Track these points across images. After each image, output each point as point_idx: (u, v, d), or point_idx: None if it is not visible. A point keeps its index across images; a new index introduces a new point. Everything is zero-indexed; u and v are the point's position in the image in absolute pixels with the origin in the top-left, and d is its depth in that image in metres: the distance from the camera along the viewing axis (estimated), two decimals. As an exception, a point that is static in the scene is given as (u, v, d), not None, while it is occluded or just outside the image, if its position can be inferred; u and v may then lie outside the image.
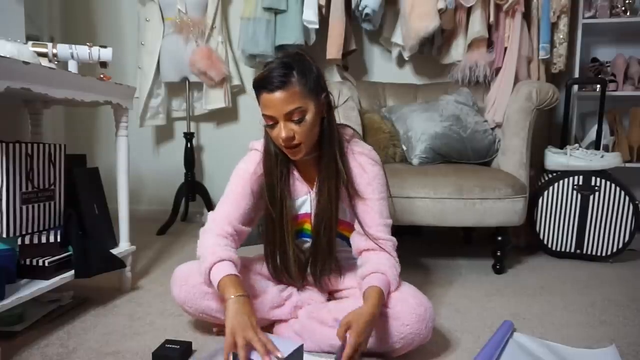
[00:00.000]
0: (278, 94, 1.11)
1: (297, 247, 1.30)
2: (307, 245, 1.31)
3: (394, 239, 1.27)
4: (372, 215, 1.24)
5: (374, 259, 1.21)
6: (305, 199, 1.30)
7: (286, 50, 1.21)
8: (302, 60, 1.16)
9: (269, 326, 1.31)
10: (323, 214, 1.24)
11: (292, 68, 1.12)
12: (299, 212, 1.31)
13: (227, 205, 1.26)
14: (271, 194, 1.25)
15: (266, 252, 1.31)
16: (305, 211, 1.31)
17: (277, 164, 1.24)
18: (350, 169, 1.25)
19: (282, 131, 1.13)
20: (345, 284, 1.34)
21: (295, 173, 1.29)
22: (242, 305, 1.06)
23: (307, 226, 1.31)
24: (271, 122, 1.15)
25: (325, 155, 1.22)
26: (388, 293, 1.16)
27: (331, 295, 1.37)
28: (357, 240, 1.27)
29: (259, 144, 1.29)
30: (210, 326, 1.35)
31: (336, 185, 1.23)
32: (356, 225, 1.27)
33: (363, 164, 1.26)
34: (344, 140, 1.27)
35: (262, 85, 1.13)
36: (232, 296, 1.08)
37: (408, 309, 1.14)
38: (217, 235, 1.21)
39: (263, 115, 1.16)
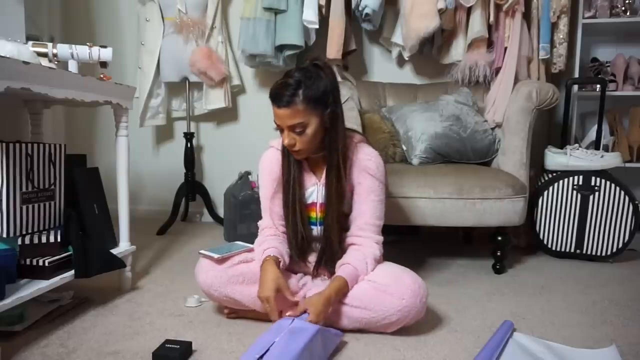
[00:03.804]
0: (283, 110, 1.28)
1: (310, 232, 1.45)
2: (315, 232, 1.46)
3: (377, 237, 1.41)
4: (364, 215, 1.40)
5: (349, 254, 1.38)
6: (313, 189, 1.45)
7: (307, 60, 1.36)
8: (313, 77, 1.30)
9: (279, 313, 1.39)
10: (329, 208, 1.40)
11: (299, 87, 1.27)
12: (308, 201, 1.45)
13: (266, 213, 1.47)
14: (287, 184, 1.42)
15: (289, 237, 1.46)
16: (312, 200, 1.45)
17: (290, 157, 1.41)
18: (353, 172, 1.40)
19: (285, 138, 1.33)
20: None
21: (306, 166, 1.45)
22: (266, 270, 1.31)
23: (314, 214, 1.46)
24: (278, 128, 1.34)
25: (329, 160, 1.37)
26: (356, 277, 1.34)
27: None
28: (347, 237, 1.43)
29: (275, 142, 1.48)
30: (222, 309, 1.49)
31: (339, 185, 1.37)
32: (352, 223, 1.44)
33: (367, 168, 1.40)
34: (352, 145, 1.42)
35: (272, 99, 1.31)
36: (264, 258, 1.34)
37: (404, 286, 1.30)
38: (270, 235, 1.45)
39: (274, 120, 1.33)
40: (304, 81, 1.28)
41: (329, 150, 1.37)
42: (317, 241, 1.46)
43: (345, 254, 1.39)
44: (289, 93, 1.27)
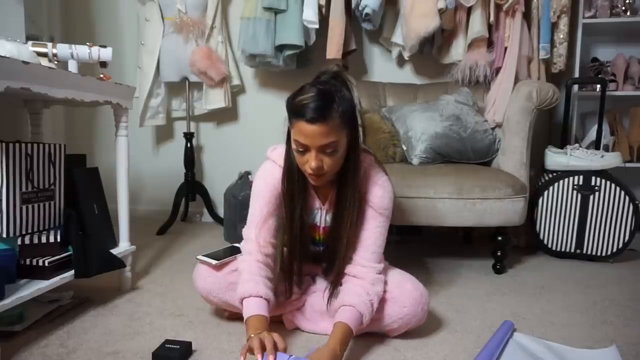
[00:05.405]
0: (316, 127, 1.10)
1: (310, 251, 1.38)
2: (317, 250, 1.40)
3: (380, 266, 1.29)
4: (366, 243, 1.29)
5: (349, 288, 1.25)
6: (316, 212, 1.36)
7: (325, 74, 1.20)
8: (341, 90, 1.16)
9: (279, 316, 1.40)
10: (338, 237, 1.28)
11: (333, 100, 1.12)
12: (312, 222, 1.37)
13: (260, 228, 1.30)
14: (291, 205, 1.28)
15: (290, 255, 1.34)
16: (315, 223, 1.37)
17: (297, 179, 1.27)
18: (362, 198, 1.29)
19: (312, 161, 1.15)
20: None
21: (310, 189, 1.33)
22: (253, 330, 1.12)
23: (317, 236, 1.38)
24: (302, 148, 1.16)
25: (349, 186, 1.24)
26: (360, 323, 1.21)
27: None
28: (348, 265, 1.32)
29: (277, 155, 1.32)
30: (222, 311, 1.47)
31: (357, 212, 1.26)
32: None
33: (374, 195, 1.29)
34: (362, 169, 1.29)
35: (300, 114, 1.11)
36: (252, 335, 1.10)
37: (406, 293, 1.28)
38: (257, 261, 1.28)
39: (294, 140, 1.16)
40: (335, 92, 1.14)
41: (352, 175, 1.23)
42: (319, 257, 1.40)
43: (346, 289, 1.26)
44: (322, 107, 1.10)
